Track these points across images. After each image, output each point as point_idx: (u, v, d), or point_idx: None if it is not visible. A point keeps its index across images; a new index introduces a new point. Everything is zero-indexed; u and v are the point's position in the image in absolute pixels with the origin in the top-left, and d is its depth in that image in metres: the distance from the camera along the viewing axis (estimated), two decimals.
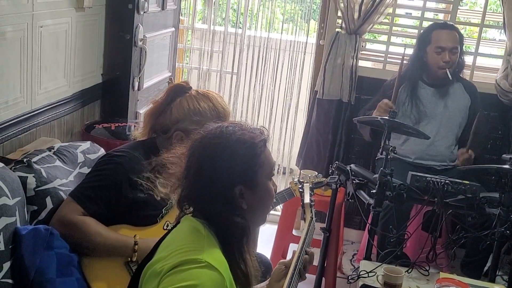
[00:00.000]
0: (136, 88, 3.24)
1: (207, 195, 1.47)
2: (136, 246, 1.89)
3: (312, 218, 2.03)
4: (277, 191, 2.70)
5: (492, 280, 2.46)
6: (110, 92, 3.18)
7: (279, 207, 3.84)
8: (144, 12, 3.17)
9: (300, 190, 2.13)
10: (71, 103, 2.84)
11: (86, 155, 2.23)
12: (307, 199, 2.07)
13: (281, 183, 4.36)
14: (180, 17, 4.15)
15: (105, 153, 2.22)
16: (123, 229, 1.95)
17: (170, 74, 3.86)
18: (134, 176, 1.95)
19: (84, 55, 2.91)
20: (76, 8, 2.74)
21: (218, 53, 4.21)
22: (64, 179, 2.05)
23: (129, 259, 1.89)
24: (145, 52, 3.23)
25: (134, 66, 3.17)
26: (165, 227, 1.97)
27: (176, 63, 4.03)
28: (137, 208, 1.96)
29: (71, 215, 1.89)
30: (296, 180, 2.64)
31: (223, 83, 4.24)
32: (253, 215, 1.55)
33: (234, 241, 1.49)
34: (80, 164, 2.18)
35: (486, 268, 3.07)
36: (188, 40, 4.36)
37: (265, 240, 3.44)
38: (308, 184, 2.19)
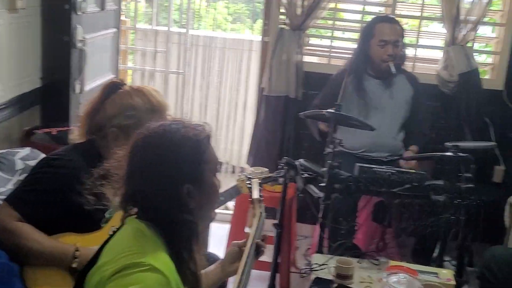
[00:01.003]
0: (77, 91, 3.16)
1: (153, 195, 1.43)
2: (77, 252, 1.83)
3: (262, 213, 2.02)
4: (225, 189, 2.67)
5: (440, 266, 2.50)
6: (50, 96, 3.08)
7: (232, 206, 3.82)
8: (82, 13, 3.09)
9: (249, 186, 2.11)
10: (8, 108, 2.73)
11: (26, 162, 2.15)
12: (255, 195, 2.06)
13: (231, 182, 4.33)
14: (123, 18, 4.08)
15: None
16: (66, 236, 1.89)
17: (114, 76, 3.78)
18: (73, 180, 1.88)
19: (20, 59, 2.81)
20: (8, 10, 2.64)
21: (162, 53, 4.15)
22: (2, 188, 1.98)
23: (72, 266, 1.83)
24: (85, 54, 3.15)
25: (74, 68, 3.09)
26: (110, 233, 1.92)
27: (120, 65, 3.95)
28: (79, 214, 1.89)
29: (6, 221, 1.81)
30: (243, 176, 2.62)
31: (169, 84, 4.18)
32: (201, 213, 1.53)
33: (183, 241, 1.46)
34: (19, 172, 2.10)
35: (435, 254, 3.13)
36: (131, 41, 4.29)
37: (218, 240, 3.41)
38: (256, 179, 2.17)
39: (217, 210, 3.74)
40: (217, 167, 1.58)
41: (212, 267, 1.87)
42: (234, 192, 2.63)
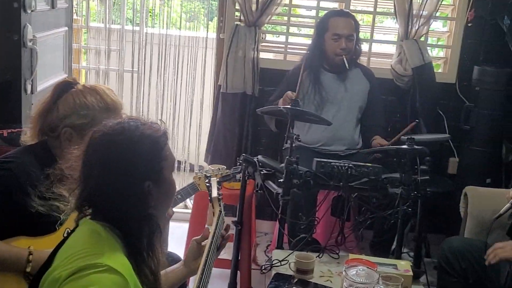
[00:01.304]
0: (29, 91, 3.07)
1: (113, 194, 1.41)
2: (31, 256, 1.78)
3: (221, 211, 2.01)
4: (181, 187, 2.64)
5: (399, 257, 2.53)
6: (0, 97, 2.99)
7: (190, 204, 3.80)
8: (32, 11, 3.01)
9: (208, 184, 2.09)
10: None
11: None
12: (214, 193, 2.04)
13: (189, 181, 4.30)
14: (75, 17, 4.00)
15: None
16: (19, 240, 1.83)
17: (67, 75, 3.70)
18: (26, 183, 1.83)
19: None
20: None
21: (116, 52, 4.09)
22: None
23: (26, 271, 1.77)
24: (36, 53, 3.06)
25: (25, 68, 3.00)
26: (65, 235, 1.87)
27: (73, 64, 3.86)
28: (32, 217, 1.84)
29: None
30: (200, 174, 2.60)
31: (123, 82, 4.12)
32: (160, 211, 1.53)
33: (143, 240, 1.44)
34: None
35: (393, 246, 3.17)
36: (84, 40, 4.21)
37: (177, 239, 3.39)
38: (215, 178, 2.15)
39: (176, 209, 3.73)
40: (173, 164, 1.58)
41: (173, 266, 1.87)
42: (191, 190, 2.61)
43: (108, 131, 1.46)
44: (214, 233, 1.84)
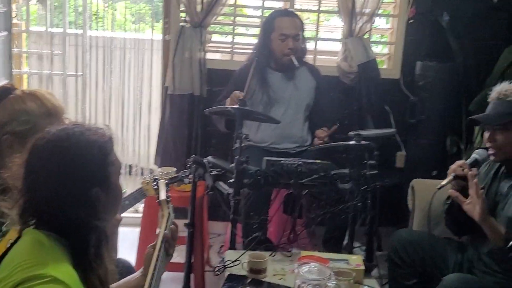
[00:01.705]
0: None
1: (60, 203, 1.37)
2: None
3: (170, 214, 1.98)
4: (129, 192, 2.60)
5: (350, 252, 2.57)
6: None
7: (141, 209, 3.74)
8: None
9: (155, 187, 2.06)
10: None
11: None
12: (162, 196, 2.01)
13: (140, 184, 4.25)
14: (15, 21, 3.88)
15: None
16: None
17: (8, 81, 3.59)
18: None
19: None
20: None
21: (59, 56, 3.99)
22: None
23: None
24: None
25: None
26: (8, 246, 1.81)
27: (14, 70, 3.75)
28: None
29: None
30: (147, 179, 2.57)
31: (68, 87, 4.02)
32: (108, 217, 1.50)
33: (90, 248, 1.41)
34: None
35: (345, 241, 3.21)
36: (26, 44, 4.09)
37: (129, 244, 3.33)
38: (163, 180, 2.12)
39: (127, 214, 3.68)
40: (120, 169, 1.56)
41: (133, 274, 1.84)
42: (139, 195, 2.57)
43: (52, 138, 1.42)
44: (163, 235, 1.82)
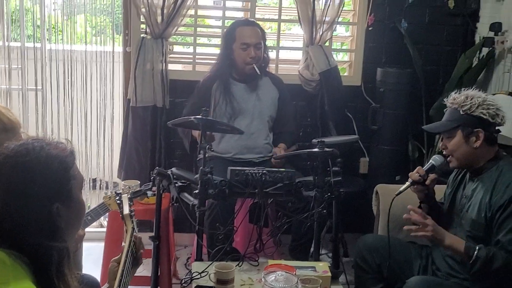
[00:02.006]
0: None
1: (20, 219, 1.34)
2: None
3: (134, 228, 1.96)
4: (91, 207, 2.57)
5: (317, 259, 2.57)
6: None
7: (105, 223, 3.69)
8: None
9: (118, 202, 2.04)
10: None
11: None
12: (126, 210, 1.99)
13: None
14: None
15: None
16: None
17: None
18: None
19: None
20: None
21: (18, 70, 3.91)
22: None
23: None
24: None
25: None
26: None
27: None
28: None
29: None
30: (110, 194, 2.54)
31: (28, 102, 3.95)
32: (70, 233, 1.48)
33: (53, 265, 1.38)
34: None
35: (312, 249, 3.22)
36: None
37: (94, 260, 3.29)
38: (126, 194, 2.10)
39: (91, 229, 3.62)
40: (82, 183, 1.54)
41: None
42: (101, 210, 2.54)
43: (11, 154, 1.39)
44: (128, 250, 1.80)
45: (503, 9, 3.68)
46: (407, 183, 2.47)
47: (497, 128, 2.38)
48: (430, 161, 2.51)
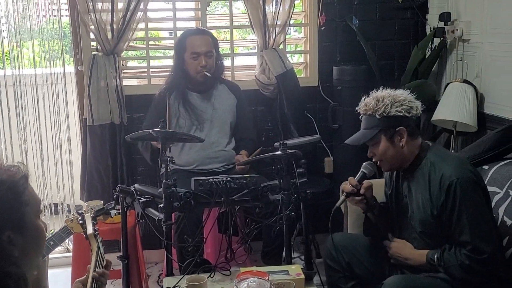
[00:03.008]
0: None
1: None
2: None
3: (99, 248, 1.90)
4: (51, 229, 2.49)
5: (289, 263, 2.54)
6: None
7: (69, 247, 3.60)
8: None
9: (81, 221, 1.98)
10: None
11: None
12: (90, 230, 1.93)
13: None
14: None
15: None
16: None
17: None
18: None
19: None
20: None
21: None
22: None
23: None
24: None
25: None
26: None
27: None
28: None
29: None
30: (71, 216, 2.47)
31: None
32: (28, 260, 1.41)
33: None
34: None
35: (284, 253, 3.19)
36: None
37: (61, 285, 3.20)
38: (88, 214, 2.04)
39: (57, 255, 3.52)
40: (39, 208, 1.47)
41: None
42: (64, 234, 2.47)
43: None
44: (94, 271, 1.74)
45: None
46: (342, 197, 2.45)
47: (414, 118, 2.37)
48: (361, 170, 2.46)
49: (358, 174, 2.46)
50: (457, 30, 3.57)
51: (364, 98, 2.40)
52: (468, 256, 2.17)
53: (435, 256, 2.25)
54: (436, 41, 3.79)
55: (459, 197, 2.19)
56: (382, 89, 2.39)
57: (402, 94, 2.35)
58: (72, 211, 4.02)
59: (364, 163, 2.47)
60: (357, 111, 2.43)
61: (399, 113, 2.30)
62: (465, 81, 3.40)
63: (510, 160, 2.62)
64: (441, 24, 3.69)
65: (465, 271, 2.18)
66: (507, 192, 2.53)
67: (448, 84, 3.50)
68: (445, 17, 3.66)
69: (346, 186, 2.44)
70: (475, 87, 3.38)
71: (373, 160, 2.44)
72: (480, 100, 3.40)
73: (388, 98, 2.31)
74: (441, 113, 3.42)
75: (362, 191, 2.43)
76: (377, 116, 2.32)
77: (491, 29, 3.33)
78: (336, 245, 2.57)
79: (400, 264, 2.42)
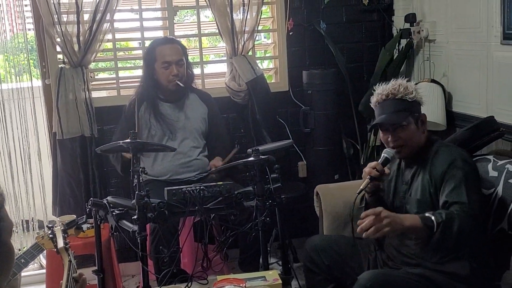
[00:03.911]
0: None
1: None
2: None
3: (71, 261, 1.87)
4: (24, 246, 2.44)
5: (267, 268, 2.53)
6: None
7: (43, 263, 3.54)
8: None
9: (51, 235, 1.94)
10: None
11: None
12: (60, 243, 1.90)
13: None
14: None
15: None
16: None
17: None
18: None
19: None
20: None
21: None
22: None
23: None
24: None
25: None
26: None
27: None
28: None
29: None
30: (41, 232, 2.42)
31: None
32: None
33: None
34: None
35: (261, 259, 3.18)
36: None
37: None
38: (58, 228, 2.01)
39: (30, 272, 3.46)
40: (11, 229, 1.43)
41: None
42: (35, 251, 2.42)
43: None
44: (67, 285, 1.71)
45: (415, 0, 3.78)
46: (367, 180, 2.40)
47: None
48: (383, 154, 2.47)
49: (380, 159, 2.46)
50: (422, 30, 3.62)
51: (382, 84, 2.45)
52: (465, 211, 2.18)
53: (431, 217, 2.17)
54: (403, 42, 3.83)
55: (460, 166, 2.29)
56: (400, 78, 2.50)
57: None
58: (44, 227, 3.95)
59: (385, 149, 2.48)
60: (380, 94, 2.43)
61: (418, 99, 2.41)
62: (433, 81, 3.45)
63: (479, 157, 2.65)
64: (407, 25, 3.73)
65: (460, 224, 2.14)
66: None
67: (416, 84, 3.53)
68: (410, 18, 3.70)
69: (372, 170, 2.41)
70: (442, 86, 3.42)
71: (392, 145, 2.43)
72: (448, 98, 3.44)
73: (409, 84, 2.42)
74: None
75: (387, 171, 2.43)
76: (408, 99, 2.38)
77: (455, 28, 3.38)
78: (315, 248, 2.57)
79: (396, 231, 2.26)
